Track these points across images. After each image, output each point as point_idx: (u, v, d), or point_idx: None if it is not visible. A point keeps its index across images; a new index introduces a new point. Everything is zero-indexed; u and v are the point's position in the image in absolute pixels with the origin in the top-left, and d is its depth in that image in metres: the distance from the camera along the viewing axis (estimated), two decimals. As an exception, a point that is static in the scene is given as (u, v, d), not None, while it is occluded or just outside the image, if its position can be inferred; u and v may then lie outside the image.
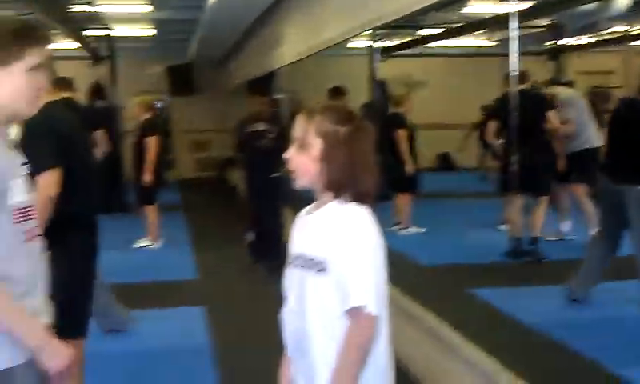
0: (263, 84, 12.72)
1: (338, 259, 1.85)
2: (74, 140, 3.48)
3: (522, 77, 6.65)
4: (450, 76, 14.68)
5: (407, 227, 8.47)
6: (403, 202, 8.53)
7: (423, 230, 8.54)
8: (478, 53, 14.22)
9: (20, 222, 1.88)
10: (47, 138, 3.22)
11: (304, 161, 1.92)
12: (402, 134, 8.26)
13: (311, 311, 1.92)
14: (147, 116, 8.35)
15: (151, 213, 8.29)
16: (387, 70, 10.71)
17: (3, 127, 1.96)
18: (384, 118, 8.83)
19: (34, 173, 3.05)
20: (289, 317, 2.03)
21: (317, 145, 1.89)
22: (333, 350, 1.87)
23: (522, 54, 6.59)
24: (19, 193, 1.88)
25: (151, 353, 4.90)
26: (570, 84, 9.09)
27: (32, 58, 1.91)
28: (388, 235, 1.99)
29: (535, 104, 6.80)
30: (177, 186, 13.85)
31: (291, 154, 1.94)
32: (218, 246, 8.55)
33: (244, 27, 10.13)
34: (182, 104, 15.30)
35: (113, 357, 4.68)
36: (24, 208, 1.89)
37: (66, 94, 4.99)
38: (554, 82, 9.31)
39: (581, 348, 4.40)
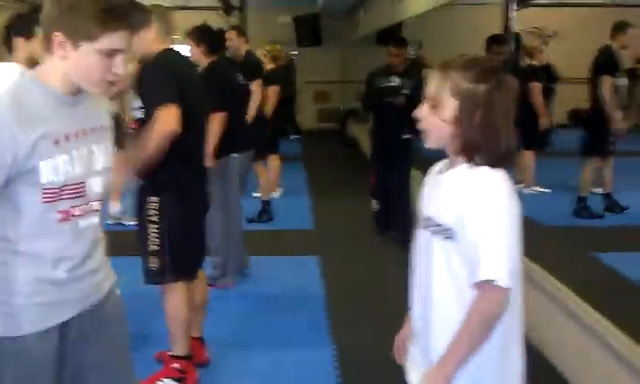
0: (394, 34, 12.54)
1: (468, 226, 1.72)
2: (191, 85, 3.56)
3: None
4: (587, 28, 13.90)
5: (530, 186, 8.15)
6: (529, 158, 8.16)
7: (548, 190, 8.20)
8: (621, 3, 13.43)
9: (50, 201, 1.82)
10: (166, 79, 3.32)
11: (437, 122, 1.79)
12: (536, 87, 7.92)
13: (437, 278, 1.84)
14: (271, 66, 8.40)
15: (273, 162, 8.37)
16: (522, 20, 10.26)
17: (68, 95, 1.88)
18: (518, 70, 8.42)
19: (149, 112, 3.24)
20: (416, 280, 1.96)
21: (451, 105, 1.76)
22: (455, 323, 1.78)
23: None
24: (55, 172, 1.81)
25: (267, 296, 5.06)
26: None
27: (109, 42, 1.81)
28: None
29: None
30: (298, 136, 13.97)
31: (423, 113, 1.82)
32: (335, 200, 8.59)
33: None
34: (308, 54, 15.36)
35: (231, 297, 4.94)
36: (60, 187, 1.83)
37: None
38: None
39: None
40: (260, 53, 8.57)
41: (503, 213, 1.72)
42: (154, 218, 3.33)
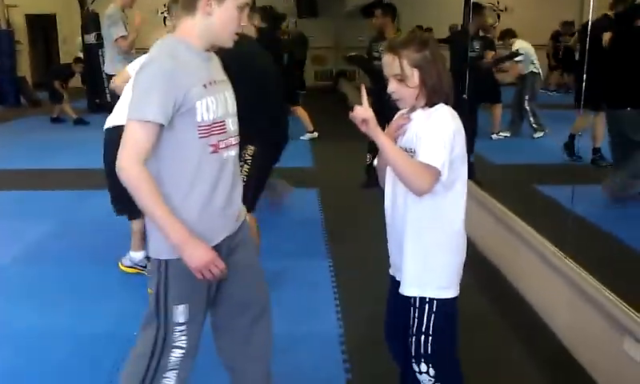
0: (373, 7, 12.31)
1: (421, 139, 1.85)
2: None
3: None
4: (536, 3, 13.69)
5: (498, 132, 8.30)
6: (497, 111, 8.30)
7: (508, 134, 8.37)
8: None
9: (205, 136, 1.82)
10: None
11: (407, 90, 1.89)
12: (491, 54, 7.93)
13: (401, 192, 1.93)
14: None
15: (300, 111, 8.54)
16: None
17: (205, 52, 1.88)
18: (477, 39, 8.34)
19: None
20: (387, 193, 2.05)
21: (414, 74, 1.87)
22: (418, 227, 1.91)
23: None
24: (207, 111, 1.81)
25: (272, 220, 5.05)
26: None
27: None
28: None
29: None
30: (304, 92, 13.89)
31: (394, 88, 1.91)
32: (331, 143, 8.61)
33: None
34: (307, 24, 15.17)
35: None
36: (210, 124, 1.82)
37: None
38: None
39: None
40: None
41: (446, 128, 1.84)
42: (248, 161, 3.41)
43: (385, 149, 1.84)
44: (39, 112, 11.38)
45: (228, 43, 1.89)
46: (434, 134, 1.84)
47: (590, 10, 4.92)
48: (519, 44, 8.66)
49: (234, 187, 1.96)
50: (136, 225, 3.82)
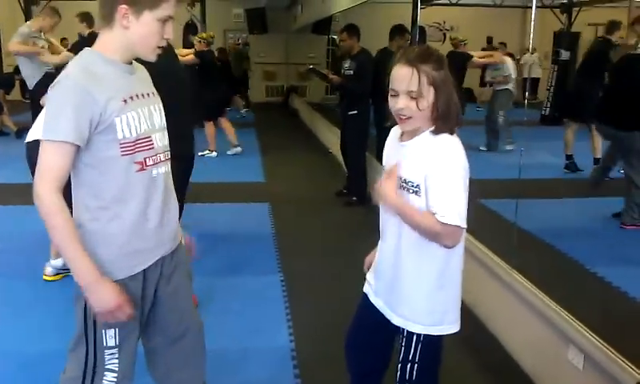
0: (322, 26, 12.42)
1: (435, 181, 1.71)
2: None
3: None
4: (477, 23, 14.14)
5: None
6: None
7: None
8: (503, 4, 13.68)
9: (129, 154, 1.72)
10: None
11: (419, 109, 1.73)
12: (475, 60, 8.28)
13: (401, 227, 1.83)
14: (205, 49, 8.22)
15: (210, 127, 8.33)
16: (425, 16, 10.38)
17: (126, 65, 1.77)
18: (450, 55, 8.48)
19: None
20: (385, 230, 1.94)
21: (430, 92, 1.73)
22: (419, 269, 1.83)
23: (539, 7, 6.34)
24: (128, 127, 1.70)
25: (223, 234, 5.00)
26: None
27: (165, 10, 1.72)
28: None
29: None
30: (251, 108, 13.85)
31: (405, 105, 1.74)
32: (282, 157, 8.60)
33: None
34: (257, 40, 15.19)
35: (194, 233, 4.82)
36: (134, 141, 1.72)
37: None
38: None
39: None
40: (195, 39, 8.42)
41: (462, 173, 1.72)
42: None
43: (408, 218, 1.77)
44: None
45: (150, 57, 1.78)
46: (452, 183, 1.71)
47: (531, 31, 5.10)
48: (509, 63, 8.93)
49: (166, 206, 1.86)
50: None
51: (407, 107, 1.74)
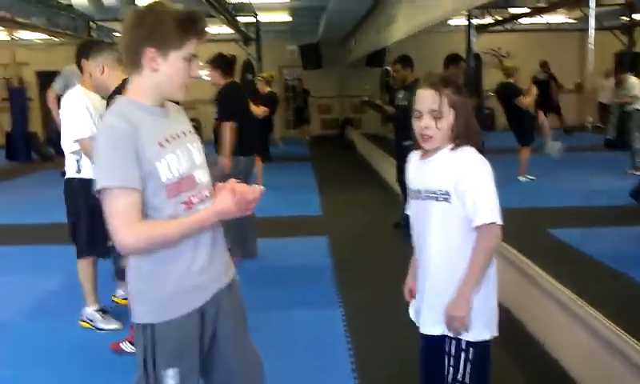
0: (375, 58, 12.45)
1: (466, 186, 1.88)
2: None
3: None
4: (533, 48, 13.85)
5: (524, 175, 8.10)
6: (524, 153, 8.14)
7: (533, 177, 8.15)
8: (560, 28, 13.38)
9: (174, 195, 1.73)
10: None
11: (440, 128, 1.93)
12: (522, 100, 7.87)
13: (434, 235, 1.97)
14: (268, 89, 8.32)
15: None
16: (480, 44, 10.24)
17: (158, 107, 1.80)
18: (501, 86, 8.32)
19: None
20: (416, 239, 2.09)
21: (450, 113, 1.93)
22: (448, 268, 1.95)
23: (597, 29, 6.14)
24: (169, 170, 1.72)
25: (281, 268, 5.01)
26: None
27: (189, 48, 1.74)
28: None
29: None
30: (309, 141, 13.97)
31: (428, 124, 1.94)
32: (339, 191, 8.57)
33: (363, 11, 9.96)
34: (312, 75, 15.37)
35: (248, 268, 4.82)
36: (177, 182, 1.73)
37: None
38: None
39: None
40: (257, 79, 8.56)
41: (488, 175, 1.91)
42: None
43: (477, 279, 1.93)
44: (50, 167, 11.42)
45: (179, 96, 1.80)
46: (482, 185, 1.90)
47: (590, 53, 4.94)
48: (632, 81, 8.70)
49: (215, 242, 1.87)
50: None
51: (430, 126, 1.93)
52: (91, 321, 3.83)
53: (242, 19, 11.89)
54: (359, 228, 6.41)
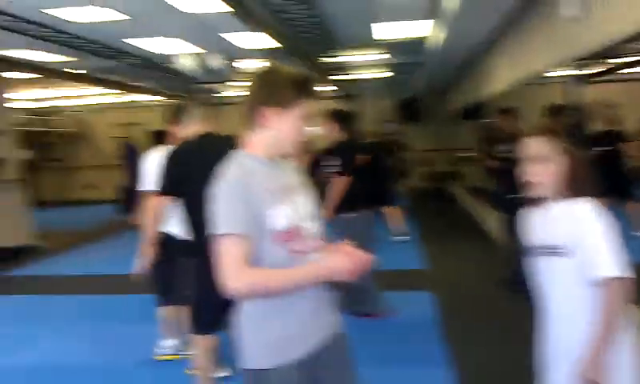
0: (472, 111, 12.33)
1: (587, 240, 1.84)
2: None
3: None
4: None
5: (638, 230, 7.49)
6: (632, 207, 7.58)
7: None
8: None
9: (283, 244, 1.79)
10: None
11: (550, 175, 1.93)
12: (633, 145, 7.50)
13: (557, 290, 1.93)
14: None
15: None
16: (580, 93, 9.89)
17: (272, 161, 1.88)
18: (607, 135, 7.95)
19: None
20: (538, 295, 2.03)
21: (559, 161, 1.92)
22: (572, 322, 1.89)
23: None
24: (280, 219, 1.78)
25: (391, 323, 4.94)
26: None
27: (302, 107, 1.83)
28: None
29: None
30: (408, 194, 13.91)
31: (538, 172, 1.95)
32: (440, 242, 8.44)
33: (460, 64, 9.95)
34: (411, 129, 15.44)
35: (354, 323, 4.81)
36: (285, 232, 1.79)
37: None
38: None
39: None
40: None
41: (609, 228, 1.85)
42: None
43: (606, 341, 1.83)
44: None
45: (291, 151, 1.89)
46: (601, 238, 1.83)
47: None
48: None
49: (320, 295, 1.90)
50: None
51: (539, 174, 1.93)
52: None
53: (342, 77, 12.23)
54: (465, 282, 6.25)
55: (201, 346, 3.44)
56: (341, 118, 5.20)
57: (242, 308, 1.86)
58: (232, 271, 1.72)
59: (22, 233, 9.27)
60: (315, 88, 1.88)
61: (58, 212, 14.44)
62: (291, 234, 1.81)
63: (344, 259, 1.77)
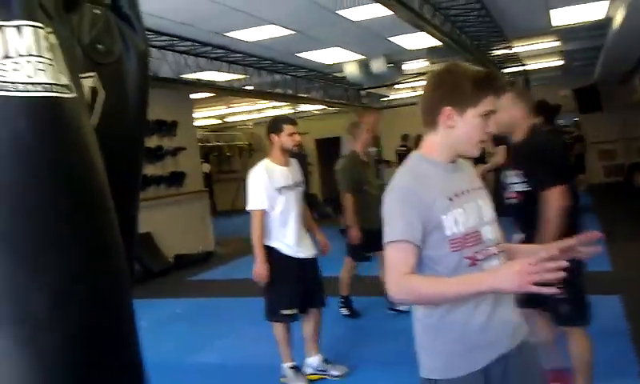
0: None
1: None
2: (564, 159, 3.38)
3: None
4: None
5: None
6: None
7: None
8: None
9: (457, 250, 1.75)
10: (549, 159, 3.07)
11: None
12: None
13: None
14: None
15: None
16: None
17: (450, 164, 1.86)
18: None
19: (536, 189, 2.97)
20: None
21: None
22: None
23: None
24: (455, 224, 1.75)
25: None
26: None
27: (486, 105, 1.77)
28: None
29: None
30: (587, 190, 12.94)
31: None
32: (628, 242, 7.72)
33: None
34: (589, 119, 14.34)
35: None
36: (462, 237, 1.75)
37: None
38: None
39: None
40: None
41: None
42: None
43: None
44: (327, 224, 12.37)
45: (473, 152, 1.84)
46: None
47: None
48: None
49: (499, 301, 1.80)
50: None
51: None
52: (285, 377, 4.08)
53: (509, 70, 11.71)
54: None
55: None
56: (545, 110, 4.60)
57: (417, 317, 1.86)
58: (393, 278, 1.74)
59: (206, 240, 10.28)
60: (503, 84, 1.84)
61: (230, 220, 15.46)
62: (469, 240, 1.77)
63: (514, 270, 1.59)
